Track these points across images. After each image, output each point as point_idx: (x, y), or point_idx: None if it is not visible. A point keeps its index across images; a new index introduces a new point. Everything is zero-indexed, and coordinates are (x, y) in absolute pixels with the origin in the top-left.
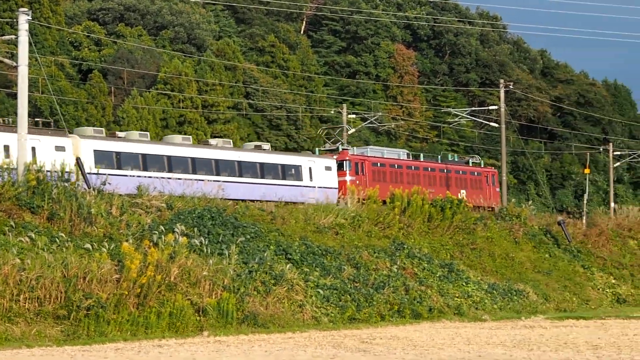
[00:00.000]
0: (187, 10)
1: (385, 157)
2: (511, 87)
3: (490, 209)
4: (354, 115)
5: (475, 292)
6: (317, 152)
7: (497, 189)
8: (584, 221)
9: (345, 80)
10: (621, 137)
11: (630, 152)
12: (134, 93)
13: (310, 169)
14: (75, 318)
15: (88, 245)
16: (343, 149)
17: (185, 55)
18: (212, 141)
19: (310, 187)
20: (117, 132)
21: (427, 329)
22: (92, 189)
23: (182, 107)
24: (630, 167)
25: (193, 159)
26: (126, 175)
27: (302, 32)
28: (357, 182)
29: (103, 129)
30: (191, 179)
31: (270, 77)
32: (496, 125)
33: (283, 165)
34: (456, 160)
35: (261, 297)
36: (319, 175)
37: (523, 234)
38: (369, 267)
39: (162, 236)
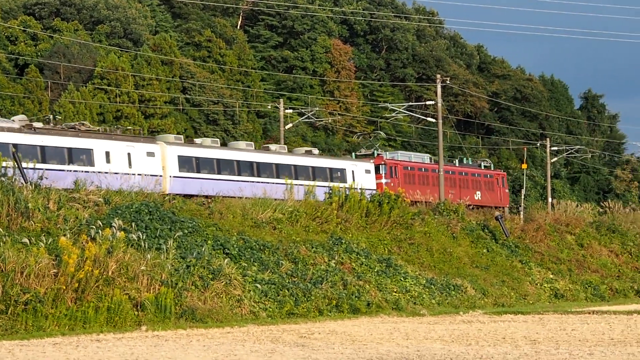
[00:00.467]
0: (124, 4)
1: (413, 161)
2: (448, 82)
3: (501, 209)
4: (290, 110)
5: (414, 287)
6: (353, 156)
7: (507, 190)
8: (521, 216)
9: (282, 75)
10: (558, 133)
11: (567, 148)
12: (70, 88)
13: (353, 172)
14: (13, 313)
15: (25, 240)
16: (378, 154)
17: (121, 50)
18: (272, 147)
19: (354, 189)
20: (194, 139)
21: (365, 323)
22: (29, 183)
23: (119, 102)
24: (568, 162)
25: (258, 164)
26: (203, 179)
27: (238, 27)
28: (392, 184)
29: (182, 135)
30: (256, 182)
31: (207, 72)
32: (433, 120)
33: (330, 169)
34: (470, 163)
35: (199, 292)
36: (360, 178)
37: (461, 229)
38: (307, 262)
39: (100, 231)
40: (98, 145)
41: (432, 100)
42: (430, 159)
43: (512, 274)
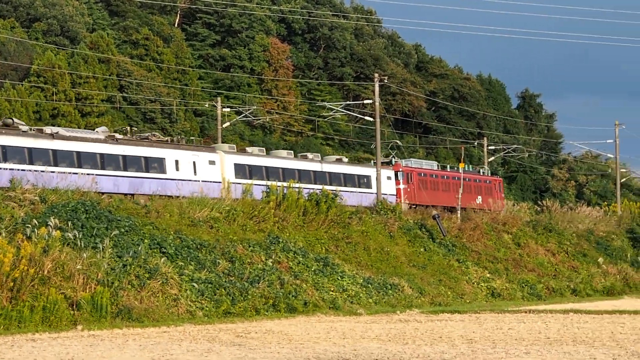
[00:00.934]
0: (61, 2)
1: (424, 168)
2: (386, 81)
3: (497, 212)
4: (228, 109)
5: (351, 286)
6: (371, 163)
7: (503, 195)
8: (458, 215)
9: (220, 74)
10: (495, 132)
11: (505, 147)
12: (6, 85)
13: (375, 179)
14: None
15: None
16: (396, 162)
17: (58, 48)
18: (309, 155)
19: (378, 193)
20: (246, 148)
21: (302, 322)
22: None
23: (56, 100)
24: (505, 161)
25: (299, 171)
26: (256, 185)
27: (176, 25)
28: (408, 189)
29: (235, 145)
30: (302, 188)
31: (145, 70)
32: (371, 119)
33: (358, 176)
34: (471, 170)
35: (135, 291)
36: (383, 184)
37: (398, 228)
38: (244, 261)
39: (36, 230)
40: (169, 155)
41: (369, 99)
42: (438, 166)
43: (449, 273)
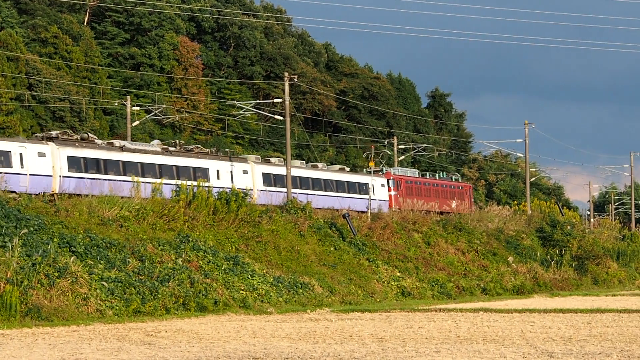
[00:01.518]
0: None
1: (409, 175)
2: (296, 80)
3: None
4: (138, 108)
5: (261, 285)
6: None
7: (472, 200)
8: (369, 214)
9: (130, 72)
10: (406, 131)
11: (415, 146)
12: None
13: (373, 185)
14: None
15: None
16: (386, 171)
17: None
18: (319, 165)
19: (374, 199)
20: (269, 158)
21: (212, 321)
22: None
23: None
24: (415, 160)
25: (312, 179)
26: (279, 192)
27: (85, 23)
28: (398, 195)
29: (260, 156)
30: (315, 195)
31: (54, 68)
32: (281, 118)
33: (359, 183)
34: (445, 177)
35: (45, 290)
36: (379, 190)
37: (308, 227)
38: (154, 260)
39: None
40: (212, 165)
41: (279, 98)
42: (419, 173)
43: (360, 272)
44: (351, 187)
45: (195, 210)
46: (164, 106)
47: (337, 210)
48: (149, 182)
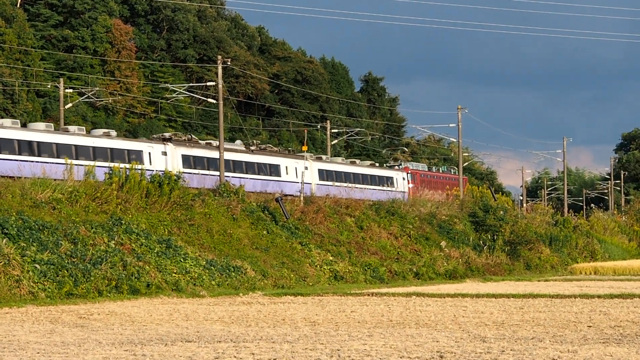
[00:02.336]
0: None
1: (420, 169)
2: (229, 63)
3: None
4: (71, 90)
5: (193, 268)
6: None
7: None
8: (301, 198)
9: (63, 55)
10: (339, 115)
11: (348, 130)
12: None
13: (396, 179)
14: None
15: None
16: (404, 166)
17: None
18: (357, 161)
19: (399, 191)
20: (322, 156)
21: (145, 304)
22: None
23: None
24: (348, 144)
25: (353, 174)
26: (333, 186)
27: (18, 5)
28: (415, 187)
29: (311, 153)
30: (350, 187)
31: None
32: (214, 101)
33: (387, 177)
34: (445, 170)
35: None
36: (401, 184)
37: (241, 210)
38: (87, 242)
39: None
40: (282, 162)
41: (212, 81)
42: (429, 167)
43: (292, 255)
44: (380, 181)
45: (128, 193)
46: (97, 89)
47: (373, 202)
48: (238, 177)
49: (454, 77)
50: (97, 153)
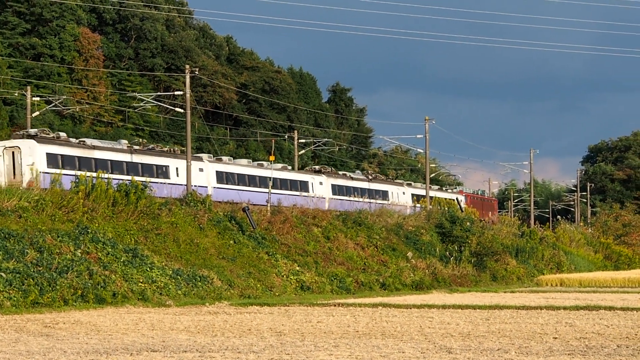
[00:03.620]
0: None
1: (470, 192)
2: (197, 73)
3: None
4: (38, 98)
5: (160, 277)
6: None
7: (497, 211)
8: (268, 208)
9: (30, 63)
10: (306, 125)
11: (315, 140)
12: None
13: (311, 184)
14: None
15: None
16: (459, 189)
17: None
18: (381, 176)
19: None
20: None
21: (111, 313)
22: None
23: None
24: (315, 154)
25: (375, 190)
26: (349, 201)
27: None
28: (469, 207)
29: (331, 168)
30: (369, 201)
31: None
32: (181, 110)
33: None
34: (480, 192)
35: None
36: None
37: (208, 220)
38: (53, 251)
39: None
40: (310, 179)
41: (180, 90)
42: (473, 191)
43: (259, 265)
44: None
45: (95, 202)
46: (65, 97)
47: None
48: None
49: (421, 88)
50: (279, 183)
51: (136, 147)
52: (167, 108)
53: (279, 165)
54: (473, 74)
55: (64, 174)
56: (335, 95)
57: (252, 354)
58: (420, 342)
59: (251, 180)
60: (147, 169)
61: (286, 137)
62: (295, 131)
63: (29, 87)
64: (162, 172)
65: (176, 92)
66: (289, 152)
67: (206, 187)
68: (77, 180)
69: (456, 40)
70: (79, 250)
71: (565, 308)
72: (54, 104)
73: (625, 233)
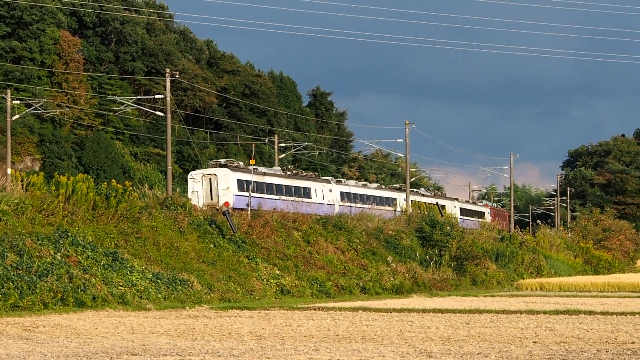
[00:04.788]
0: None
1: (493, 206)
2: (177, 76)
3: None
4: (18, 101)
5: (140, 281)
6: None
7: (508, 222)
8: (249, 212)
9: (10, 66)
10: (286, 129)
11: (296, 144)
12: None
13: (486, 214)
14: None
15: None
16: (485, 203)
17: None
18: (459, 198)
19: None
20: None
21: (91, 317)
22: None
23: None
24: (295, 158)
25: (465, 209)
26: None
27: None
28: (493, 220)
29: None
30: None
31: None
32: (162, 114)
33: (480, 212)
34: (495, 206)
35: None
36: (487, 217)
37: (188, 223)
38: (33, 254)
39: None
40: (396, 195)
41: (161, 94)
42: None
43: (239, 269)
44: (474, 214)
45: (75, 206)
46: (45, 100)
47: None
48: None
49: (402, 92)
50: (372, 199)
51: (288, 173)
52: (148, 111)
53: (374, 185)
54: (454, 79)
55: (243, 195)
56: (316, 99)
57: (232, 358)
58: (400, 346)
59: (359, 198)
60: (297, 191)
61: (266, 141)
62: (276, 135)
63: (8, 91)
64: (306, 193)
65: (156, 96)
66: (269, 156)
67: (334, 204)
68: (57, 183)
69: (437, 44)
70: (59, 254)
71: (545, 312)
72: (34, 107)
73: (605, 237)
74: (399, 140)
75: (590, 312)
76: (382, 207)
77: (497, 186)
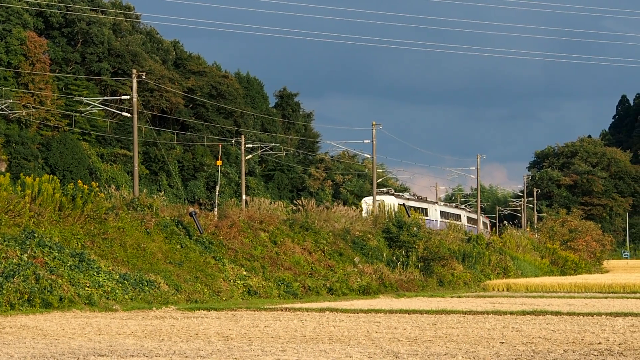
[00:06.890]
0: None
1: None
2: (144, 77)
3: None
4: None
5: (107, 282)
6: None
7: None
8: (215, 212)
9: None
10: (253, 130)
11: (262, 145)
12: None
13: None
14: None
15: None
16: (486, 215)
17: None
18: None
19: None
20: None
21: (57, 318)
22: None
23: None
24: (262, 159)
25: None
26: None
27: None
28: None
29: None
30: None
31: None
32: (128, 115)
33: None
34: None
35: None
36: (488, 228)
37: (155, 224)
38: None
39: None
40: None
41: (127, 94)
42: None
43: (206, 270)
44: (455, 217)
45: (41, 206)
46: (11, 101)
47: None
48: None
49: (369, 93)
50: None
51: (418, 196)
52: (114, 112)
53: (453, 204)
54: (422, 80)
55: None
56: (283, 100)
57: (200, 359)
58: (367, 346)
59: (448, 215)
60: (422, 211)
61: (233, 141)
62: (242, 136)
63: None
64: (425, 212)
65: (123, 97)
66: (235, 157)
67: (437, 220)
68: (23, 184)
69: (405, 45)
70: (26, 255)
71: (511, 313)
72: (0, 108)
73: (571, 238)
74: (366, 141)
75: (557, 313)
76: (458, 222)
77: (464, 187)
